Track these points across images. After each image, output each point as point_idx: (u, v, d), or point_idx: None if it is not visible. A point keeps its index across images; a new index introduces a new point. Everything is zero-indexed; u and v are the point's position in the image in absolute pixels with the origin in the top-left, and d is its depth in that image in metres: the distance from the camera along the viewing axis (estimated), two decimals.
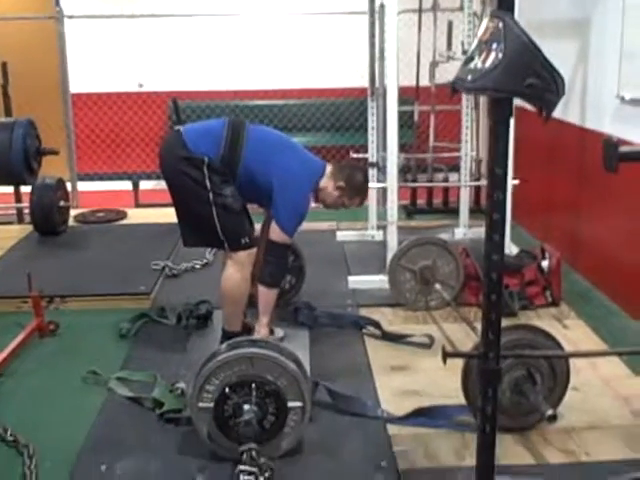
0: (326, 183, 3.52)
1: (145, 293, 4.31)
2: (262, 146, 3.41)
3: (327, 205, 3.61)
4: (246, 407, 2.61)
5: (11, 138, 4.54)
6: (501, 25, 2.09)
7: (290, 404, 2.66)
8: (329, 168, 3.54)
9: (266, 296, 3.43)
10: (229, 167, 3.34)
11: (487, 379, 2.05)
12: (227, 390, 2.61)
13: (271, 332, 3.53)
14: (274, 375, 2.64)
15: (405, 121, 6.49)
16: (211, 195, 3.30)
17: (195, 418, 2.70)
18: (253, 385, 2.61)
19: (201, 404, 2.67)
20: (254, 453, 2.50)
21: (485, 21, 2.18)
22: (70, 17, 6.52)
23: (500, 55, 2.06)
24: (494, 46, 2.08)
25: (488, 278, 2.33)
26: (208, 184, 3.29)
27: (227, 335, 3.37)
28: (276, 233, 3.39)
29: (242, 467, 2.47)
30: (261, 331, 3.44)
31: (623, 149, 1.99)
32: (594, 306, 4.23)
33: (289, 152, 3.48)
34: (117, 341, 3.79)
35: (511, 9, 2.13)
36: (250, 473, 2.45)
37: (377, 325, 3.80)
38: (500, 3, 2.11)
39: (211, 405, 2.64)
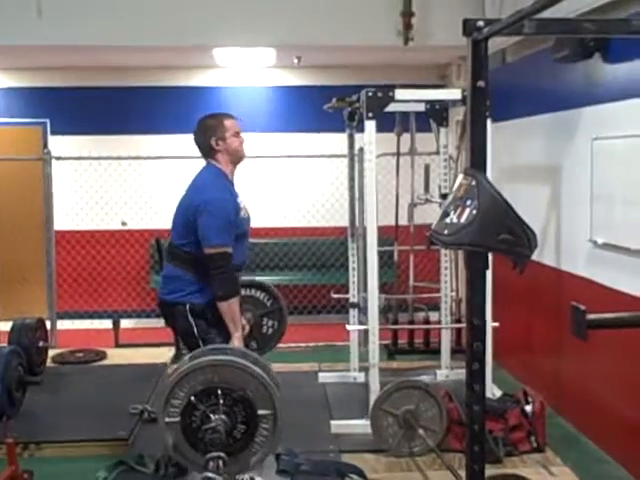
0: (221, 157, 3.67)
1: (123, 439, 4.21)
2: (177, 223, 3.66)
3: (240, 153, 3.71)
4: (213, 416, 2.53)
5: None
6: (474, 183, 2.17)
7: (260, 412, 2.58)
8: (208, 159, 3.71)
9: (227, 310, 3.47)
10: (197, 262, 3.52)
11: None
12: (193, 399, 2.53)
13: None
14: (241, 382, 2.58)
15: (385, 261, 6.58)
16: (201, 343, 3.45)
17: (162, 433, 2.61)
18: (219, 392, 2.54)
19: (168, 419, 2.58)
20: (221, 462, 2.41)
21: (460, 178, 2.27)
22: (58, 158, 6.69)
23: (474, 212, 2.14)
24: (468, 202, 2.16)
25: (470, 429, 2.31)
26: (196, 331, 3.49)
27: None
28: (209, 248, 3.48)
29: (208, 474, 2.37)
30: (235, 344, 3.44)
31: (591, 317, 2.04)
32: (580, 452, 4.16)
33: (190, 192, 3.69)
34: None
35: (483, 168, 2.22)
36: None
37: (361, 474, 3.71)
38: (473, 162, 2.21)
39: (178, 419, 2.55)
